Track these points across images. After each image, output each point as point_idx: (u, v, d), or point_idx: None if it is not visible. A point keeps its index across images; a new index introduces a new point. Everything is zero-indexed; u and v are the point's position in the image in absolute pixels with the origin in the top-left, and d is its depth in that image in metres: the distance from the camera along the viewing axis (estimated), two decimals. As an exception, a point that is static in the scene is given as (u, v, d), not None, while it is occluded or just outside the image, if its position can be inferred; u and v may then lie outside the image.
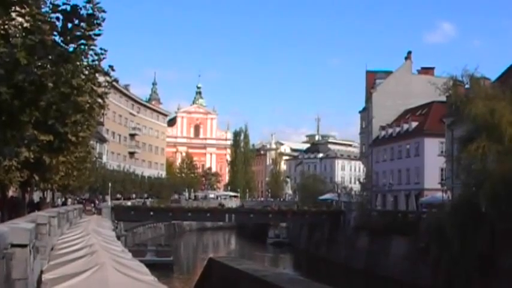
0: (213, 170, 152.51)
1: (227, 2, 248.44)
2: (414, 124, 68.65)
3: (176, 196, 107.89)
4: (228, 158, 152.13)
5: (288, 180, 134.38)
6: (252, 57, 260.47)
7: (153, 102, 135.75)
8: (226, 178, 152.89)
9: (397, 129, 71.78)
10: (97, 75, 15.68)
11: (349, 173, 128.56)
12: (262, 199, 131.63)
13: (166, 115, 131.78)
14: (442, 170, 57.27)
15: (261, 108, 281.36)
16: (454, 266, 35.41)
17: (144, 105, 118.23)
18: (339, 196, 79.42)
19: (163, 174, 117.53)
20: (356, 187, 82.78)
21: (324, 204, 78.17)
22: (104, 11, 12.24)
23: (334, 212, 69.06)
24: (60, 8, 11.82)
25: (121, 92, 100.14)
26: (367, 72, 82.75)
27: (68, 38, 12.19)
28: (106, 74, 15.66)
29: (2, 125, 11.63)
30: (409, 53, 78.63)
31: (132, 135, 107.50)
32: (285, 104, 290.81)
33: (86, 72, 14.72)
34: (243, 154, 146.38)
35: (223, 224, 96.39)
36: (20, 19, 11.67)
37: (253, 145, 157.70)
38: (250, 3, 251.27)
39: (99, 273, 8.73)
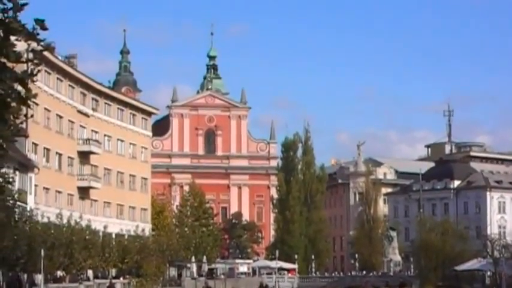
0: (244, 217, 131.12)
1: None
2: None
3: (174, 272, 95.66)
4: (274, 193, 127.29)
5: (393, 234, 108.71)
6: None
7: (124, 89, 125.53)
8: (270, 233, 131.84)
9: None
10: (12, 38, 13.56)
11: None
12: (341, 274, 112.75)
13: (150, 113, 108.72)
14: None
15: (332, 93, 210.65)
16: None
17: (107, 95, 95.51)
18: (496, 263, 75.59)
19: (148, 229, 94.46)
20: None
21: (468, 279, 78.70)
22: None
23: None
24: None
25: (60, 70, 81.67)
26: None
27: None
28: (30, 36, 13.46)
29: None
30: None
31: (84, 155, 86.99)
32: (380, 83, 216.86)
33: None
34: (304, 185, 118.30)
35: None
36: None
37: (321, 167, 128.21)
38: None
39: None
